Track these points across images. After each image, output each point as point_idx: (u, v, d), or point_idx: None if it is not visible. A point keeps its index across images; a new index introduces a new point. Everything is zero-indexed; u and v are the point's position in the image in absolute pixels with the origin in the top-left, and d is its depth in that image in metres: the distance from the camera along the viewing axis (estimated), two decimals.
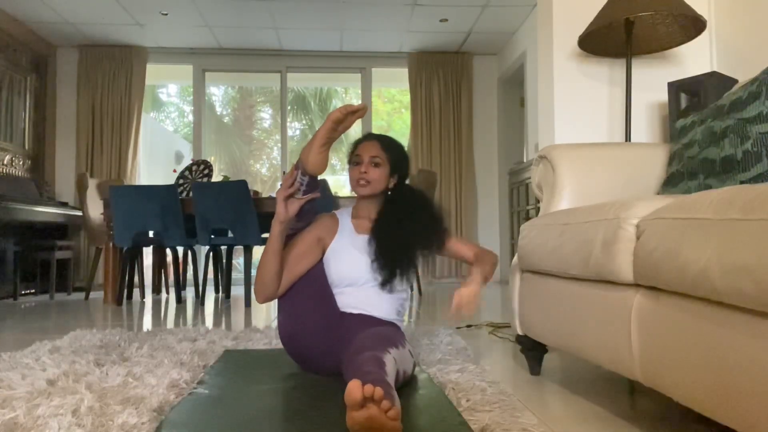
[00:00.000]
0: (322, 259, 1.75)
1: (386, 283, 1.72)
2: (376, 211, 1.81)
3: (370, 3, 5.01)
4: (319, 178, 1.71)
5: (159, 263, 4.86)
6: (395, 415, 1.08)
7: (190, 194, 4.30)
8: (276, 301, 1.71)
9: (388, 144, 1.80)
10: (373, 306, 1.73)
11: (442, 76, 6.15)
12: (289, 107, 7.17)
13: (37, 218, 4.80)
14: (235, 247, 4.51)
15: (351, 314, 1.71)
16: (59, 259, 4.94)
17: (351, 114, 1.58)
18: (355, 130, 8.64)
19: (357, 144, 1.82)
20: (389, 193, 1.82)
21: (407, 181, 1.89)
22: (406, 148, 1.89)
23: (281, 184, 1.63)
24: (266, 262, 1.63)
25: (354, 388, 1.07)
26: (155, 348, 2.10)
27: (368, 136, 1.84)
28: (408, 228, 1.74)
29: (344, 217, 1.86)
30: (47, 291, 4.96)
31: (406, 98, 6.52)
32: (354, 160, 1.78)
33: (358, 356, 1.39)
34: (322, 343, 1.66)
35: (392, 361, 1.40)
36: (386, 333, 1.58)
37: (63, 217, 5.20)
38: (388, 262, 1.71)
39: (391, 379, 1.32)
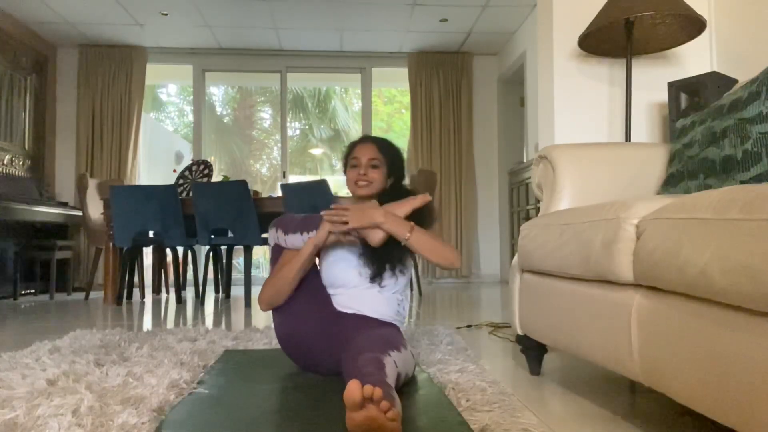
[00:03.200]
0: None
1: (375, 277, 1.71)
2: None
3: (370, 3, 5.01)
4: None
5: (159, 263, 4.86)
6: (394, 416, 1.08)
7: (190, 194, 4.31)
8: None
9: (384, 146, 1.80)
10: (367, 306, 1.72)
11: (442, 76, 6.15)
12: (288, 107, 7.17)
13: (37, 218, 4.80)
14: (235, 247, 4.51)
15: (347, 314, 1.71)
16: (59, 259, 4.94)
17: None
18: (356, 129, 8.64)
19: (353, 147, 1.82)
20: (384, 194, 1.82)
21: (405, 182, 1.89)
22: (405, 149, 1.90)
23: (332, 210, 1.61)
24: (292, 277, 1.64)
25: (353, 389, 1.07)
26: (155, 348, 2.10)
27: (364, 139, 1.84)
28: None
29: None
30: (47, 291, 4.96)
31: (406, 98, 6.52)
32: (351, 162, 1.78)
33: (358, 358, 1.39)
34: (320, 343, 1.66)
35: (392, 364, 1.40)
36: (387, 335, 1.58)
37: (63, 217, 5.20)
38: (376, 256, 1.70)
39: (391, 380, 1.31)
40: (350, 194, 1.86)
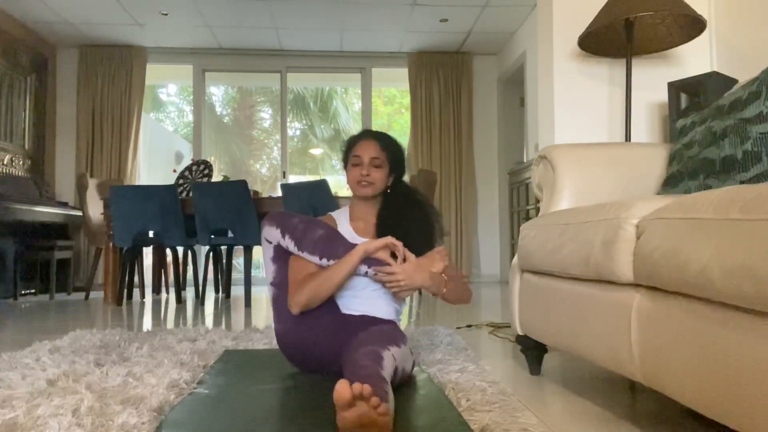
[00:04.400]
0: None
1: None
2: (374, 212, 1.80)
3: (370, 3, 5.01)
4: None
5: (159, 263, 4.86)
6: (385, 411, 1.08)
7: (190, 194, 4.31)
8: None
9: (386, 143, 1.78)
10: (374, 307, 1.72)
11: (442, 76, 6.15)
12: (289, 107, 7.16)
13: (37, 218, 4.80)
14: (235, 247, 4.51)
15: (353, 316, 1.70)
16: (59, 259, 4.94)
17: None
18: (356, 129, 8.66)
19: (354, 143, 1.80)
20: (388, 191, 1.82)
21: (405, 178, 1.89)
22: (405, 147, 1.90)
23: (389, 244, 1.64)
24: (338, 282, 1.61)
25: (342, 388, 1.06)
26: (155, 348, 2.10)
27: (365, 135, 1.82)
28: (408, 225, 1.74)
29: (342, 220, 1.84)
30: (47, 291, 4.96)
31: (406, 98, 6.52)
32: (353, 161, 1.76)
33: (357, 352, 1.40)
34: (326, 347, 1.65)
35: (391, 358, 1.40)
36: (387, 331, 1.59)
37: (63, 217, 5.20)
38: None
39: (387, 374, 1.32)
40: (351, 193, 1.85)
